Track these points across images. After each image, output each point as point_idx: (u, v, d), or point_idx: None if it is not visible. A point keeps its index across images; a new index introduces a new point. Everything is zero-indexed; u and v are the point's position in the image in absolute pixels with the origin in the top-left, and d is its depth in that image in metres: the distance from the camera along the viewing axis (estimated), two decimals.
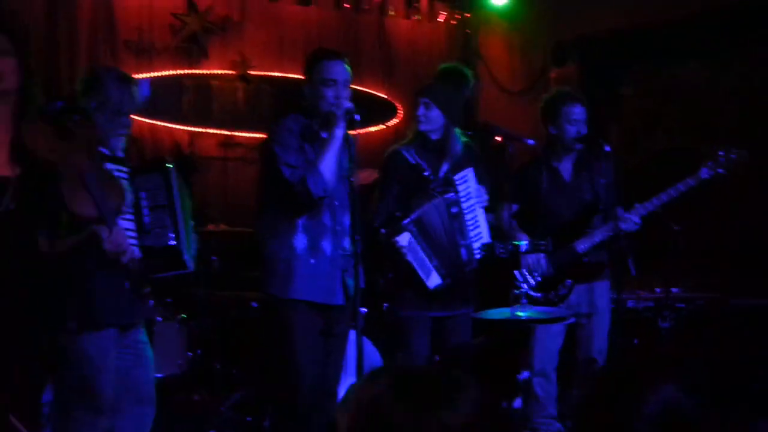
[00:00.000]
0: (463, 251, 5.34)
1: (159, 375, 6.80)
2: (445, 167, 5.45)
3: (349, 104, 4.90)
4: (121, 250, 4.11)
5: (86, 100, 4.47)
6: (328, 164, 4.85)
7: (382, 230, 5.18)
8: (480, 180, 5.55)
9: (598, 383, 1.99)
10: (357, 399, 1.84)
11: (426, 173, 5.40)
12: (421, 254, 5.20)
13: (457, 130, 5.55)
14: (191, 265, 4.67)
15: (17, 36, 3.95)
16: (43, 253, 3.97)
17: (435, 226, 5.24)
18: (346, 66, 5.05)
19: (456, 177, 5.38)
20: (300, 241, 4.95)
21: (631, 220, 5.63)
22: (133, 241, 4.36)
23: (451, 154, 5.48)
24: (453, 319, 5.43)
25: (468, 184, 5.42)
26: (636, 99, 9.07)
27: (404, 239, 5.17)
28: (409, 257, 5.12)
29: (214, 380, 7.08)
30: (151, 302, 4.73)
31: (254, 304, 7.26)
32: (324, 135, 4.97)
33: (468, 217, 5.38)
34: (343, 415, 1.84)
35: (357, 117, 4.89)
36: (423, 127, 5.44)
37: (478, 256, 5.37)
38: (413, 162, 5.32)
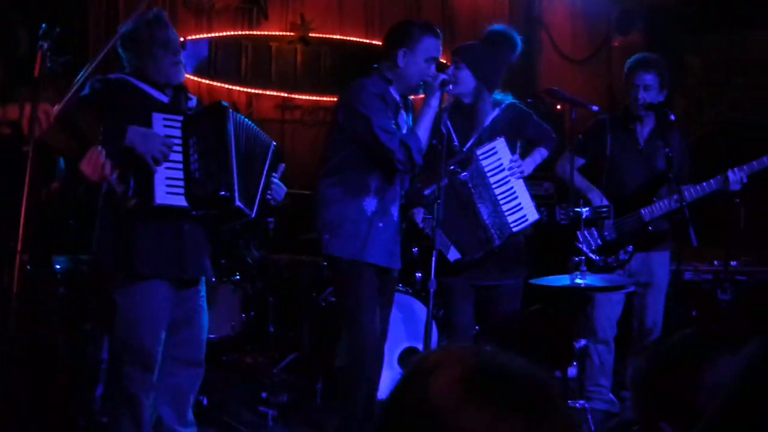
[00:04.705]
0: (480, 232, 5.11)
1: (212, 336, 6.84)
2: (472, 140, 5.22)
3: (445, 76, 4.85)
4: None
5: (128, 50, 4.42)
6: (425, 132, 4.82)
7: (403, 201, 5.02)
8: (531, 143, 5.38)
9: (658, 355, 1.98)
10: None
11: (455, 143, 5.19)
12: (437, 229, 4.90)
13: (498, 96, 5.31)
14: (250, 211, 4.46)
15: None
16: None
17: (448, 204, 4.74)
18: None
19: (480, 152, 5.11)
20: (371, 204, 4.85)
21: (737, 180, 5.49)
22: (179, 190, 4.24)
23: (481, 123, 5.24)
24: (498, 289, 5.26)
25: (496, 156, 5.13)
26: (702, 69, 8.88)
27: (418, 214, 5.07)
28: (428, 231, 5.00)
29: (268, 342, 7.08)
30: (207, 261, 4.59)
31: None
32: (400, 101, 4.97)
33: (498, 191, 5.12)
34: None
35: (450, 87, 4.89)
36: (452, 89, 5.07)
37: (515, 230, 5.13)
38: (444, 130, 4.82)
